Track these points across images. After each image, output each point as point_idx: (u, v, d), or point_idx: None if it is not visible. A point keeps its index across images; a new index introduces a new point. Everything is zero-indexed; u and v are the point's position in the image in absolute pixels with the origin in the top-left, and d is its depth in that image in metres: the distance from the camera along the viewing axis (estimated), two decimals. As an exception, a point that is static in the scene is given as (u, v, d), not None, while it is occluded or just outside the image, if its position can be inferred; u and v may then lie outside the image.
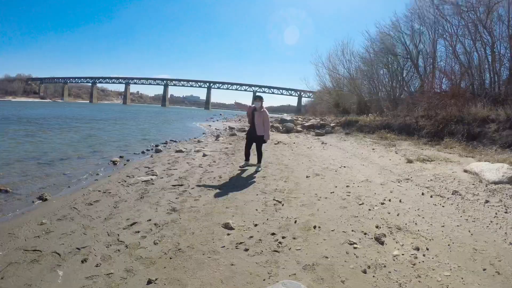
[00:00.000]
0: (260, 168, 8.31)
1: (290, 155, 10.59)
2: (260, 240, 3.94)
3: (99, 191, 6.41)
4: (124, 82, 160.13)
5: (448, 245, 3.96)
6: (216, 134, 18.23)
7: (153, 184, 6.87)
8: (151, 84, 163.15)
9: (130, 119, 36.20)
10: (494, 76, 17.28)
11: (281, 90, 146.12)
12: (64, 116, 33.29)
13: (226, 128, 24.93)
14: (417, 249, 3.80)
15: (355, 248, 3.79)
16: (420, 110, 16.50)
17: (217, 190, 6.23)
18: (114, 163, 9.79)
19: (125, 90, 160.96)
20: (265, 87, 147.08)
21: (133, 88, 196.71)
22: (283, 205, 5.31)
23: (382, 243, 3.93)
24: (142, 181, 7.11)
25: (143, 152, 11.92)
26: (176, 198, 5.72)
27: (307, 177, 7.42)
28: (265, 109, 8.54)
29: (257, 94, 8.75)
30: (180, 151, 11.52)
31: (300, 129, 19.19)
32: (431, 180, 7.30)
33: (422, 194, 6.20)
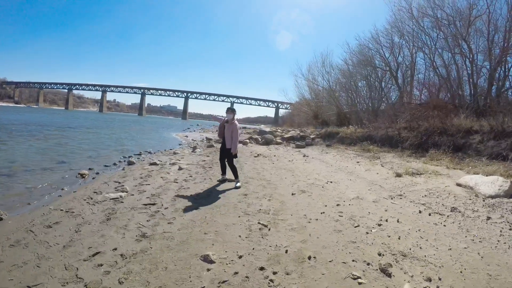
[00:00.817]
0: (239, 184, 7.70)
1: (271, 169, 10.00)
2: (247, 277, 3.29)
3: (61, 210, 5.69)
4: (100, 89, 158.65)
5: (461, 272, 3.54)
6: (193, 146, 17.49)
7: (122, 202, 6.16)
8: (128, 93, 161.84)
9: (105, 127, 34.98)
10: (473, 88, 17.31)
11: (258, 101, 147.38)
12: (36, 123, 31.93)
13: (203, 139, 24.19)
14: (429, 280, 3.34)
15: (360, 283, 3.23)
16: (402, 122, 16.31)
17: (194, 211, 5.56)
18: (82, 176, 9.01)
19: (102, 97, 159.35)
20: (242, 97, 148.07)
21: (110, 96, 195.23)
22: (269, 229, 4.68)
23: (389, 275, 3.41)
24: (111, 199, 6.40)
25: (114, 164, 11.14)
26: (147, 221, 5.04)
27: (292, 194, 6.83)
28: (235, 121, 8.00)
29: (230, 106, 8.11)
30: (155, 163, 10.78)
31: (280, 141, 18.68)
32: (425, 195, 6.95)
33: (420, 212, 5.82)
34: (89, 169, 10.01)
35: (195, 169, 9.81)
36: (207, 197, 6.48)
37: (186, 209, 5.64)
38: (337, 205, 6.14)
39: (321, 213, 5.59)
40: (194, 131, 39.72)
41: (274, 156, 13.03)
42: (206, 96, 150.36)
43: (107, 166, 10.83)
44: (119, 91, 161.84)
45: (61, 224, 4.92)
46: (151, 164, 10.76)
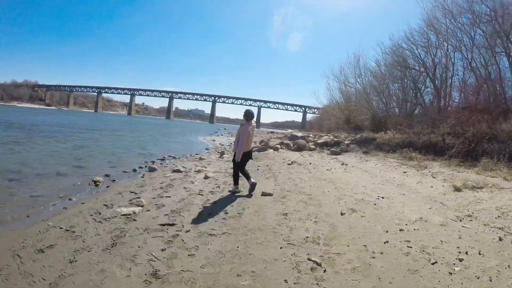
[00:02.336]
0: (231, 189, 7.28)
1: (309, 179, 8.73)
2: None
3: (60, 228, 4.75)
4: (129, 93, 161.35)
5: None
6: (220, 151, 16.40)
7: (134, 220, 5.10)
8: (156, 96, 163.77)
9: (131, 130, 34.56)
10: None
11: (286, 106, 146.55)
12: (63, 124, 31.99)
13: (231, 143, 23.05)
14: None
15: None
16: (445, 127, 14.80)
17: (223, 237, 4.40)
18: (96, 183, 8.14)
19: (130, 101, 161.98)
20: (270, 102, 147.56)
21: (139, 100, 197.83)
22: (325, 270, 3.44)
23: None
24: (122, 215, 5.36)
25: (134, 171, 10.20)
26: (162, 250, 3.93)
27: (342, 214, 5.55)
28: (244, 124, 7.23)
29: (247, 110, 7.27)
30: (178, 170, 9.73)
31: (313, 146, 17.35)
32: (498, 216, 5.65)
33: (500, 239, 4.61)
34: (105, 175, 9.14)
35: (223, 178, 8.69)
36: (239, 217, 5.29)
37: (213, 234, 4.49)
38: (400, 230, 4.86)
39: (385, 242, 4.32)
40: (222, 135, 38.89)
41: (310, 163, 11.76)
42: (234, 100, 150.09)
43: (126, 172, 9.92)
44: (148, 95, 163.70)
45: (55, 249, 3.98)
46: (174, 171, 9.72)
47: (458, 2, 19.20)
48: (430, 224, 5.24)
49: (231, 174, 9.02)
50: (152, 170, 10.24)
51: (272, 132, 44.07)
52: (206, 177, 8.70)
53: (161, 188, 7.42)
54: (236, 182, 7.31)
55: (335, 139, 18.89)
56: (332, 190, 7.47)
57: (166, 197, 6.56)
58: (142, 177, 9.12)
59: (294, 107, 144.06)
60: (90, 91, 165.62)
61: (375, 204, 6.28)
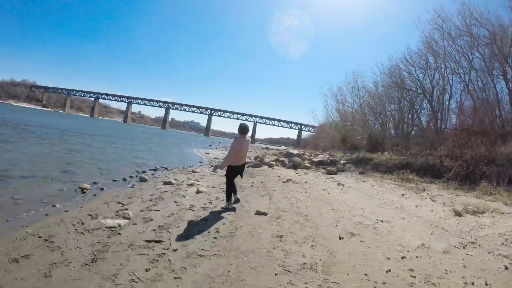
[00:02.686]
0: (224, 206, 7.02)
1: (306, 199, 8.40)
2: None
3: (39, 236, 4.45)
4: (126, 100, 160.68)
5: None
6: (214, 164, 16.08)
7: (119, 234, 4.77)
8: (153, 106, 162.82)
9: (125, 138, 34.07)
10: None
11: (281, 123, 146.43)
12: (57, 127, 31.53)
13: (217, 164, 22.73)
14: None
15: None
16: (443, 149, 14.60)
17: (213, 259, 4.07)
18: (83, 191, 7.80)
19: (127, 108, 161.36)
20: (266, 118, 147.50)
21: (135, 108, 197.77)
22: (323, 303, 3.13)
23: None
24: (106, 227, 5.04)
25: (124, 180, 9.83)
26: (147, 270, 3.62)
27: (340, 238, 5.23)
28: (238, 137, 7.04)
29: (243, 123, 7.44)
30: (170, 183, 9.39)
31: (308, 165, 17.03)
32: (503, 243, 5.38)
33: (506, 268, 4.37)
34: (93, 183, 8.81)
35: (216, 194, 8.36)
36: (231, 237, 4.96)
37: (202, 254, 4.16)
38: (402, 257, 4.55)
39: (387, 271, 4.01)
40: (216, 148, 38.48)
41: (306, 182, 11.43)
42: (230, 114, 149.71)
43: (116, 181, 9.55)
44: (144, 104, 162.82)
45: (31, 260, 3.69)
46: (165, 183, 9.38)
47: (456, 25, 19.33)
48: (432, 251, 4.96)
49: (224, 190, 8.73)
50: (142, 180, 9.88)
51: (267, 148, 43.78)
52: (198, 192, 8.38)
53: (151, 200, 7.08)
54: (228, 198, 7.05)
55: (331, 158, 18.65)
56: (329, 211, 7.15)
57: (155, 210, 6.23)
58: (132, 187, 8.75)
59: (290, 124, 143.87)
60: (88, 95, 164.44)
61: (374, 228, 5.98)
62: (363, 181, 12.44)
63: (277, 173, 13.78)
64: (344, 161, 17.76)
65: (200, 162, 18.80)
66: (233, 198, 7.18)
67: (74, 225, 5.04)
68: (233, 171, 7.02)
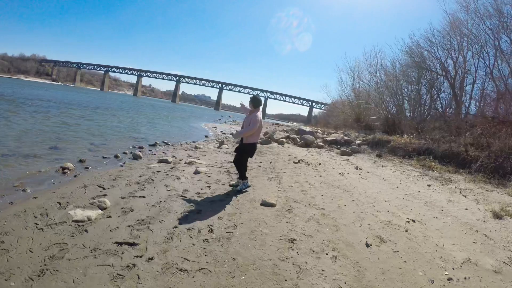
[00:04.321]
0: (239, 187, 6.24)
1: (320, 186, 7.24)
2: None
3: None
4: (136, 74, 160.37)
5: None
6: (220, 140, 14.94)
7: (86, 231, 3.75)
8: (164, 79, 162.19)
9: (131, 110, 33.06)
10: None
11: (292, 99, 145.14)
12: (60, 100, 30.58)
13: (232, 132, 21.55)
14: None
15: None
16: (468, 137, 13.32)
17: (198, 276, 2.99)
18: (64, 171, 6.69)
19: (137, 82, 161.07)
20: (276, 93, 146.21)
21: (146, 81, 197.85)
22: None
23: None
24: (73, 221, 3.98)
25: (116, 157, 8.77)
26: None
27: (367, 245, 4.08)
28: (253, 111, 6.33)
29: (255, 96, 6.59)
30: (166, 161, 8.28)
31: (321, 144, 15.82)
32: None
33: None
34: (80, 161, 7.76)
35: (217, 175, 7.24)
36: (227, 239, 3.85)
37: (184, 268, 3.10)
38: (449, 279, 3.45)
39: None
40: (225, 122, 37.18)
41: (319, 164, 10.23)
42: (241, 88, 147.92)
43: (106, 158, 8.52)
44: (155, 77, 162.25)
45: None
46: (160, 161, 8.30)
47: (485, 4, 17.54)
48: (481, 269, 3.86)
49: (226, 170, 7.66)
50: (136, 157, 8.81)
51: (277, 124, 42.49)
52: (196, 172, 7.28)
53: (138, 183, 6.00)
54: (243, 175, 6.36)
55: (345, 137, 17.42)
56: (349, 203, 6.00)
57: (140, 197, 5.15)
58: (122, 166, 7.68)
59: (301, 101, 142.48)
60: (98, 69, 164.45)
61: (406, 231, 4.82)
62: (382, 166, 11.24)
63: (288, 152, 12.63)
64: (359, 142, 16.55)
65: (205, 137, 17.67)
66: (238, 181, 6.36)
67: (36, 217, 4.03)
68: (252, 148, 6.26)
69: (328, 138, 16.84)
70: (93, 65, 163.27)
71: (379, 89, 24.71)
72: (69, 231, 3.68)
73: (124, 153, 9.45)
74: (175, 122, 27.78)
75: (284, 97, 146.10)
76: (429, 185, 8.61)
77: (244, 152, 6.20)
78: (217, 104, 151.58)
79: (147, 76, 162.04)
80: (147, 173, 6.90)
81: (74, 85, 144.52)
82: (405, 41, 23.15)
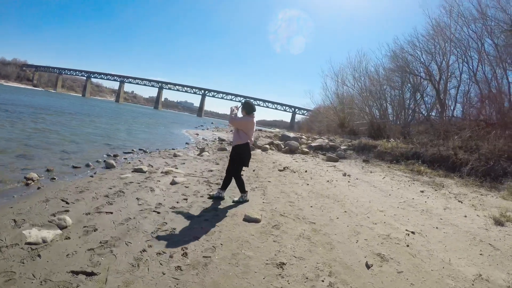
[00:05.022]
0: (240, 198, 5.74)
1: (309, 195, 6.71)
2: None
3: None
4: (118, 80, 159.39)
5: None
6: (201, 147, 14.31)
7: (38, 256, 3.20)
8: (146, 85, 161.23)
9: (110, 117, 32.05)
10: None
11: (275, 105, 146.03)
12: (37, 105, 29.38)
13: (215, 139, 20.90)
14: None
15: None
16: (457, 140, 13.05)
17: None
18: (28, 182, 6.01)
19: (119, 88, 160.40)
20: (259, 100, 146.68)
21: (128, 88, 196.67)
22: None
23: None
24: (26, 243, 3.39)
25: (87, 166, 8.10)
26: None
27: (368, 267, 3.55)
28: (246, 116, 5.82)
29: (249, 100, 6.33)
30: (140, 170, 7.63)
31: (306, 149, 15.32)
32: None
33: None
34: (47, 170, 7.09)
35: (195, 186, 6.65)
36: (204, 266, 3.24)
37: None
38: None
39: None
40: (207, 129, 36.49)
41: (306, 171, 9.71)
42: (223, 95, 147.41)
43: (76, 168, 7.83)
44: (137, 83, 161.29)
45: None
46: (135, 170, 7.65)
47: (468, 7, 17.46)
48: (494, 285, 3.51)
49: (206, 180, 7.10)
50: (109, 167, 8.14)
51: (260, 130, 41.98)
52: (173, 183, 6.66)
53: (106, 196, 5.35)
54: (242, 189, 5.80)
55: (330, 143, 17.02)
56: (342, 215, 5.47)
57: (106, 213, 4.52)
58: (92, 176, 7.01)
59: (284, 107, 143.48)
60: (79, 74, 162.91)
61: (408, 246, 4.33)
62: (371, 172, 10.82)
63: (272, 159, 12.11)
64: (345, 147, 16.17)
65: (186, 144, 16.99)
66: (222, 193, 5.81)
67: (-18, 240, 3.38)
68: (245, 151, 5.63)
69: (313, 144, 16.38)
70: (75, 70, 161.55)
71: (364, 93, 24.49)
72: (20, 256, 3.07)
73: (97, 161, 8.79)
74: (155, 128, 26.89)
75: (266, 103, 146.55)
76: (422, 191, 8.23)
77: (234, 158, 5.59)
78: (199, 111, 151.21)
79: (130, 82, 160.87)
80: (118, 184, 6.26)
81: (55, 91, 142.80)
82: (390, 45, 23.16)
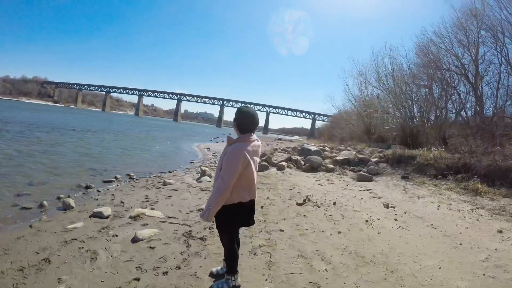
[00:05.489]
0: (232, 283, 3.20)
1: (342, 260, 4.19)
2: None
3: None
4: (137, 93, 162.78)
5: None
6: (205, 166, 11.94)
7: None
8: (165, 98, 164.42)
9: (120, 132, 30.32)
10: None
11: (294, 112, 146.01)
12: (43, 123, 28.30)
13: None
14: None
15: None
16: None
17: None
18: None
19: (138, 101, 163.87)
20: (278, 107, 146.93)
21: (148, 101, 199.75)
22: None
23: None
24: None
25: (41, 206, 6.13)
26: None
27: None
28: (237, 140, 3.05)
29: (243, 108, 3.15)
30: (100, 215, 5.33)
31: (331, 165, 12.81)
32: None
33: None
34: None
35: (167, 245, 4.30)
36: None
37: None
38: None
39: None
40: (222, 141, 34.17)
41: (334, 204, 7.15)
42: (242, 104, 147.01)
43: (26, 209, 5.95)
44: (156, 96, 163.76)
45: None
46: (93, 215, 5.38)
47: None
48: None
49: (187, 233, 4.78)
50: (66, 208, 5.97)
51: (280, 140, 39.52)
52: (134, 240, 4.36)
53: (21, 270, 3.27)
54: (232, 269, 3.26)
55: (359, 155, 14.46)
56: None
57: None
58: (30, 226, 4.86)
59: (303, 114, 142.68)
60: (99, 90, 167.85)
61: None
62: (418, 197, 8.30)
63: (290, 182, 9.72)
64: (376, 159, 13.59)
65: (190, 162, 14.74)
66: (233, 281, 3.27)
67: None
68: (237, 214, 3.06)
69: (338, 158, 13.85)
70: (95, 86, 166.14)
71: (392, 94, 21.73)
72: None
73: (58, 198, 6.71)
74: (162, 144, 24.63)
75: (286, 111, 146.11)
76: (500, 231, 5.72)
77: (221, 225, 3.15)
78: (219, 121, 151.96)
79: (148, 95, 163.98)
80: (53, 243, 4.08)
81: (76, 107, 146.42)
82: (418, 37, 20.36)
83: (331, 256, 4.23)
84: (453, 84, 18.48)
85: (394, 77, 21.75)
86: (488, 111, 16.90)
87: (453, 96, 18.72)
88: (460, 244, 5.06)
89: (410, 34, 44.24)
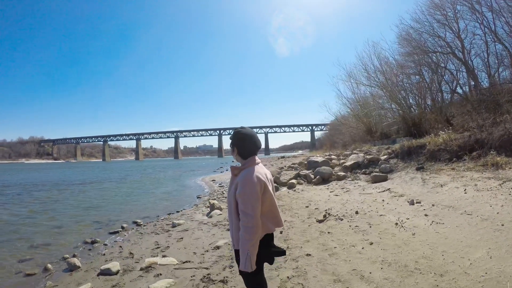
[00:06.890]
0: None
1: (385, 274, 3.68)
2: None
3: None
4: (134, 138, 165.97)
5: None
6: (213, 199, 11.36)
7: None
8: (162, 138, 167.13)
9: (120, 179, 29.78)
10: None
11: (292, 127, 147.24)
12: (43, 181, 28.28)
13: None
14: None
15: None
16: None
17: None
18: None
19: (137, 146, 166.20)
20: (275, 126, 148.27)
21: (146, 143, 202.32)
22: None
23: None
24: None
25: (45, 270, 5.64)
26: None
27: None
28: (244, 166, 2.51)
29: (240, 130, 2.55)
30: (108, 272, 4.81)
31: (342, 173, 12.35)
32: None
33: None
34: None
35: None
36: None
37: None
38: None
39: None
40: (226, 170, 33.64)
41: (356, 213, 6.68)
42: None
43: (29, 275, 5.48)
44: (153, 137, 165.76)
45: None
46: (101, 273, 4.90)
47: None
48: None
49: (206, 276, 4.27)
50: (71, 269, 5.46)
51: (283, 157, 38.85)
52: (148, 295, 3.89)
53: None
54: None
55: (367, 156, 14.01)
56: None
57: None
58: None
59: (301, 127, 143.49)
60: (96, 140, 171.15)
61: None
62: (441, 185, 7.82)
63: (304, 198, 9.26)
64: (385, 156, 13.16)
65: (197, 198, 14.19)
66: None
67: None
68: (263, 250, 2.45)
69: (347, 164, 13.40)
70: (91, 137, 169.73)
71: (388, 87, 21.46)
72: None
73: (64, 258, 6.19)
74: (167, 183, 23.99)
75: (283, 128, 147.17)
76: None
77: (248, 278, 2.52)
78: (219, 151, 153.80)
79: (146, 138, 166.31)
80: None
81: (76, 160, 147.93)
82: (399, 27, 20.41)
83: (370, 273, 3.73)
84: (442, 65, 18.57)
85: (383, 71, 21.60)
86: (483, 82, 17.30)
87: (445, 76, 18.96)
88: (502, 225, 4.60)
89: (390, 25, 44.19)
